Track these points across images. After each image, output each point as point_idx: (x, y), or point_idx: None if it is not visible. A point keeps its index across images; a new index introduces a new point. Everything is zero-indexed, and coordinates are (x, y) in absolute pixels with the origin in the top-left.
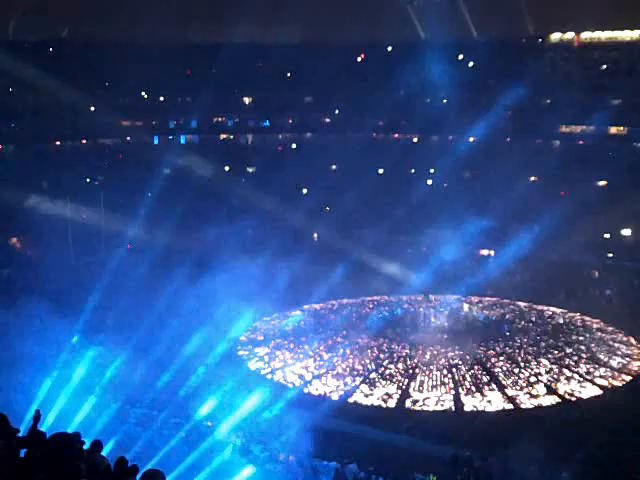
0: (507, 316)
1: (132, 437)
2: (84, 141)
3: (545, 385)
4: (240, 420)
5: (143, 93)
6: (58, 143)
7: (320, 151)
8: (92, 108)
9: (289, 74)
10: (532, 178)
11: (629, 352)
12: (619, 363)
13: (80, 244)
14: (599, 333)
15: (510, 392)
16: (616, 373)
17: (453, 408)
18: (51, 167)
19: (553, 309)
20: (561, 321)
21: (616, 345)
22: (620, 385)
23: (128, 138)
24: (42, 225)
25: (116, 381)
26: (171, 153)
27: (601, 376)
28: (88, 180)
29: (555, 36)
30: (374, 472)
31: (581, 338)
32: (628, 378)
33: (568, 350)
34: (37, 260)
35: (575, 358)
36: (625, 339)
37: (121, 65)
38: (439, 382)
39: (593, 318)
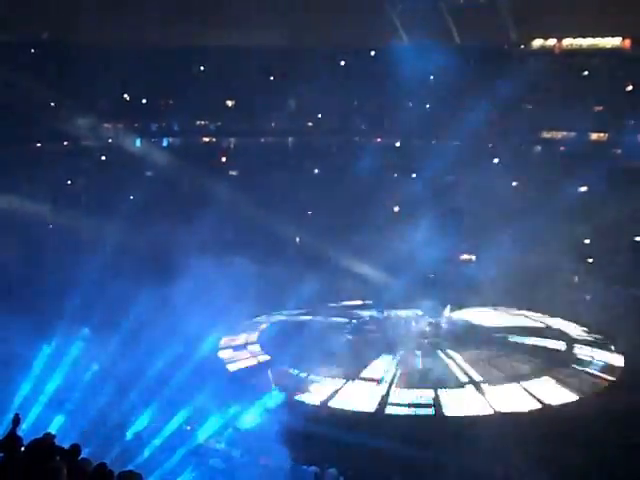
0: (486, 321)
1: (110, 442)
2: (65, 143)
3: (524, 389)
4: (220, 425)
5: (125, 95)
6: (38, 145)
7: (303, 155)
8: (73, 110)
9: (272, 77)
10: (514, 183)
11: (605, 359)
12: (596, 369)
13: (59, 246)
14: (577, 338)
15: (490, 396)
16: (592, 379)
17: (433, 412)
18: (31, 169)
19: (533, 314)
20: (541, 326)
21: (593, 351)
22: (594, 391)
23: (110, 140)
24: (20, 227)
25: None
26: (153, 156)
27: (578, 382)
28: (69, 182)
29: (537, 42)
30: (354, 476)
31: (559, 343)
32: (603, 385)
33: (547, 355)
34: (12, 263)
35: (553, 363)
36: (603, 344)
37: (103, 67)
38: (420, 386)
39: (572, 323)
